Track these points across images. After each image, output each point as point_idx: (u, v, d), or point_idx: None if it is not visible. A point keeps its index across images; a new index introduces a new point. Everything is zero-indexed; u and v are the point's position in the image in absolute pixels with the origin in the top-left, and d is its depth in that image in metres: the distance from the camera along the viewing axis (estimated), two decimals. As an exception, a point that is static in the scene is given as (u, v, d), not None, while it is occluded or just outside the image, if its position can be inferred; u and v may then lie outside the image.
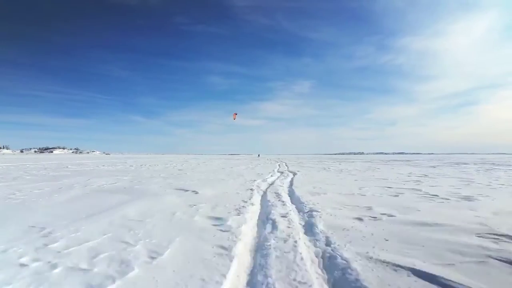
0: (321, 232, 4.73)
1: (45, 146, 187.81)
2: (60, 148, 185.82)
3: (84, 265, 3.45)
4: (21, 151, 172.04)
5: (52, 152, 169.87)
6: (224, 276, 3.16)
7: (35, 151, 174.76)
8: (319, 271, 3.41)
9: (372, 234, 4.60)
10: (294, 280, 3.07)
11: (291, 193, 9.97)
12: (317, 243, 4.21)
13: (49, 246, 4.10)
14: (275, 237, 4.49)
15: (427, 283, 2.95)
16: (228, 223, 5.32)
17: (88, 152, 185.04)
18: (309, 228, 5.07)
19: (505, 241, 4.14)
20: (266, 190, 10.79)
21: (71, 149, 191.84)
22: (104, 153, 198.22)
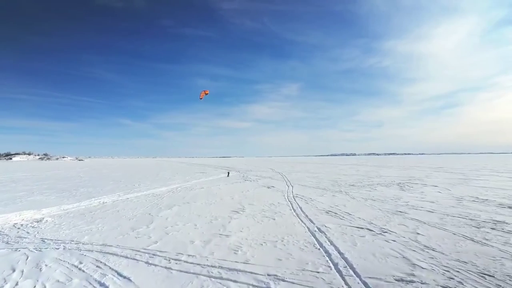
0: None
1: (6, 151, 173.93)
2: (25, 154, 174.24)
3: None
4: None
5: (11, 159, 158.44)
6: None
7: None
8: None
9: None
10: None
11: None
12: None
13: None
14: None
15: None
16: None
17: (57, 158, 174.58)
18: None
19: None
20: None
21: (38, 155, 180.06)
22: (76, 158, 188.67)
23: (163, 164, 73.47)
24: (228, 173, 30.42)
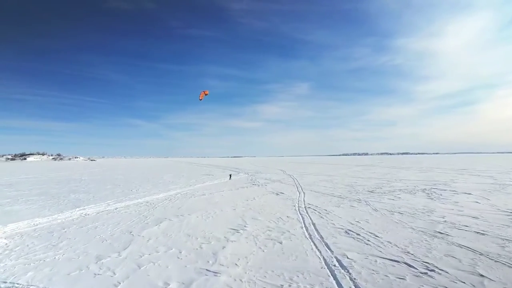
0: None
1: (22, 152, 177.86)
2: (39, 154, 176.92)
3: None
4: None
5: (25, 159, 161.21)
6: None
7: (7, 158, 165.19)
8: None
9: None
10: None
11: None
12: None
13: None
14: None
15: None
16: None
17: (69, 159, 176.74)
18: None
19: None
20: None
21: (51, 155, 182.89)
22: (89, 158, 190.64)
23: (171, 165, 72.46)
24: (230, 175, 28.54)
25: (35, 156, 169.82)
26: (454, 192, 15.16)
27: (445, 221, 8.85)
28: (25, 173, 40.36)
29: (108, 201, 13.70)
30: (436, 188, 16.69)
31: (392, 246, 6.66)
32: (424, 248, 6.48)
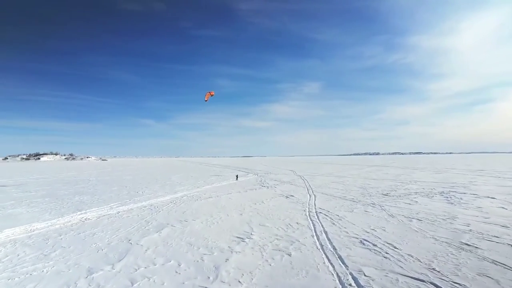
0: None
1: (35, 152, 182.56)
2: (52, 154, 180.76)
3: None
4: (5, 159, 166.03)
5: (39, 159, 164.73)
6: None
7: (22, 158, 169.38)
8: None
9: None
10: None
11: None
12: None
13: None
14: None
15: None
16: None
17: (81, 158, 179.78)
18: None
19: None
20: None
21: (64, 155, 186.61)
22: (100, 158, 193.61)
23: (181, 165, 72.42)
24: (237, 176, 27.93)
25: (48, 156, 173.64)
26: (475, 195, 14.19)
27: (470, 230, 8.04)
28: (36, 173, 40.77)
29: (112, 204, 13.30)
30: (455, 191, 15.73)
31: (414, 261, 5.94)
32: (452, 264, 5.74)
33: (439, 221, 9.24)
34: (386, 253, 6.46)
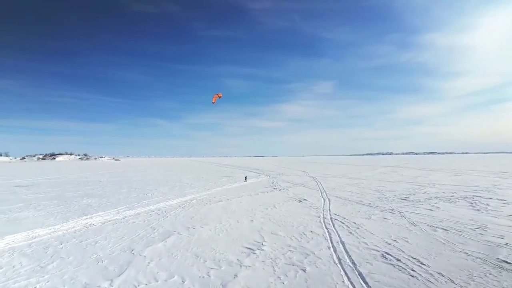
0: None
1: (51, 152, 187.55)
2: (66, 154, 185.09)
3: None
4: (22, 158, 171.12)
5: (54, 159, 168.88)
6: None
7: (38, 158, 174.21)
8: None
9: None
10: None
11: None
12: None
13: None
14: None
15: None
16: None
17: (95, 158, 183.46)
18: None
19: None
20: None
21: (78, 155, 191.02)
22: (113, 158, 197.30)
23: (192, 166, 72.51)
24: (246, 177, 27.39)
25: (63, 156, 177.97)
26: (503, 201, 13.19)
27: (507, 244, 7.21)
28: (50, 173, 41.30)
29: (119, 208, 12.94)
30: (480, 196, 14.74)
31: (446, 281, 5.24)
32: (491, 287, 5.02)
33: (468, 231, 8.45)
34: (413, 270, 5.77)
